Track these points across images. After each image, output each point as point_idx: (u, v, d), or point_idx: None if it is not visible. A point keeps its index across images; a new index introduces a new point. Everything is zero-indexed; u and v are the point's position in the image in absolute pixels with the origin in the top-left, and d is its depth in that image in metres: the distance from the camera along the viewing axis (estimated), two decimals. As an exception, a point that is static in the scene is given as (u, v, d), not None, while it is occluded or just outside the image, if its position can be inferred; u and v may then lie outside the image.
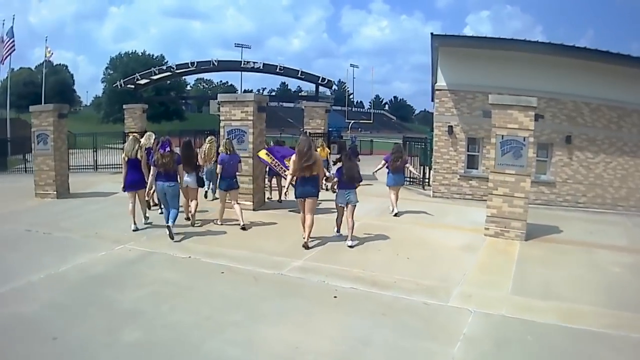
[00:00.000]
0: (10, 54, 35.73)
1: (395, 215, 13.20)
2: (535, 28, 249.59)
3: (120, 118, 68.02)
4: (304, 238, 9.70)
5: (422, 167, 19.56)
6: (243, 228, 11.20)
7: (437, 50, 17.70)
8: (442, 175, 17.47)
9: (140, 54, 79.57)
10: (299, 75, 21.48)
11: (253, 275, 8.15)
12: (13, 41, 35.48)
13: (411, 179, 19.46)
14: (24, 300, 7.02)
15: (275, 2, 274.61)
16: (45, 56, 43.34)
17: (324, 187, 10.96)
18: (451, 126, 17.23)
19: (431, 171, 18.53)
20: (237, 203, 11.56)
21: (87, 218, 12.62)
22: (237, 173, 11.59)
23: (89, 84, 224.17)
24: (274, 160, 13.65)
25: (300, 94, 25.10)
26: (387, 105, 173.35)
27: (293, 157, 9.84)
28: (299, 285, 7.79)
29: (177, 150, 10.82)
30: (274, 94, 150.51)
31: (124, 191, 11.34)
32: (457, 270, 8.65)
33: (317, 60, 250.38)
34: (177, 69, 23.38)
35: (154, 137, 11.76)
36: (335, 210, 10.73)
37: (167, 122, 71.76)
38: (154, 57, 79.19)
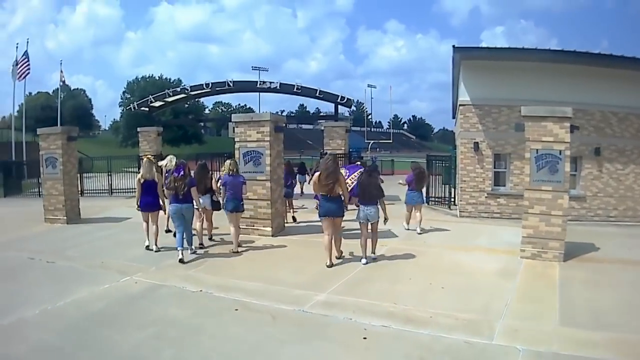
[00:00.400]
0: (26, 74, 35.93)
1: (419, 233, 12.88)
2: (549, 41, 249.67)
3: (138, 142, 69.28)
4: (329, 261, 9.56)
5: (445, 187, 18.93)
6: (235, 251, 10.90)
7: (459, 64, 17.02)
8: (468, 193, 16.60)
9: (157, 78, 79.54)
10: (317, 94, 20.62)
11: (270, 312, 7.20)
12: (28, 63, 35.77)
13: (436, 199, 18.79)
14: (11, 340, 6.24)
15: (291, 24, 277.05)
16: (60, 80, 42.87)
17: (348, 207, 10.17)
18: (477, 142, 16.38)
19: (456, 190, 17.83)
20: (236, 226, 11.11)
21: (94, 245, 11.98)
22: (243, 195, 11.10)
23: (108, 109, 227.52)
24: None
25: (319, 115, 23.90)
26: (405, 125, 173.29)
27: (315, 175, 9.60)
28: (323, 325, 6.79)
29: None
30: (292, 115, 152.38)
31: (139, 211, 11.21)
32: (497, 300, 7.70)
33: (334, 81, 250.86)
34: (191, 91, 22.65)
35: (175, 160, 11.05)
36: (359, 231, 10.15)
37: (185, 145, 71.85)
38: (171, 81, 79.08)
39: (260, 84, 21.21)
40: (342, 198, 9.75)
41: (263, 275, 9.12)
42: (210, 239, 12.07)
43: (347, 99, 20.40)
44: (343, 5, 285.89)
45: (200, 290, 8.22)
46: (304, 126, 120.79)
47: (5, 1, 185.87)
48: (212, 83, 21.90)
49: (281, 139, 13.27)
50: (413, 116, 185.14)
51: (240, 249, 11.06)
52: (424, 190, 15.15)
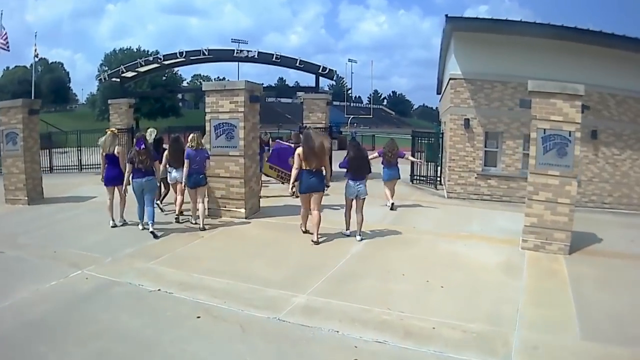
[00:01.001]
0: (6, 45, 34.05)
1: (392, 209, 12.62)
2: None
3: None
4: (307, 230, 9.73)
5: (430, 165, 17.79)
6: (202, 229, 10.24)
7: (450, 36, 16.00)
8: (457, 173, 15.54)
9: (135, 50, 75.02)
10: (297, 64, 19.07)
11: (239, 321, 5.84)
12: (6, 34, 33.86)
13: (421, 178, 17.75)
14: None
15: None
16: (34, 53, 40.65)
17: (329, 184, 9.86)
18: (468, 119, 15.29)
19: (443, 169, 16.96)
20: (203, 202, 10.59)
21: (52, 230, 10.63)
22: (205, 170, 10.61)
23: (87, 82, 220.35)
24: (280, 171, 13.95)
25: (299, 87, 22.39)
26: (385, 101, 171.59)
27: (299, 149, 9.32)
28: (304, 341, 5.43)
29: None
30: (272, 88, 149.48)
31: (105, 185, 10.79)
32: (507, 304, 6.52)
33: (315, 56, 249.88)
34: (165, 60, 20.84)
35: (154, 133, 11.31)
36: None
37: (163, 118, 69.73)
38: (149, 53, 75.58)
39: (237, 52, 19.57)
40: (324, 173, 9.46)
41: (232, 269, 7.81)
42: (180, 215, 11.14)
43: (329, 69, 18.89)
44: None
45: (159, 290, 6.88)
46: (282, 100, 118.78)
47: None
48: (186, 52, 20.17)
49: (257, 110, 11.89)
50: (393, 92, 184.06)
51: (209, 234, 9.97)
52: (408, 168, 15.49)
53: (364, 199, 9.68)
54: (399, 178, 13.55)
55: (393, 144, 13.41)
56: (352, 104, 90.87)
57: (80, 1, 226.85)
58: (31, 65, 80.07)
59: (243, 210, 11.24)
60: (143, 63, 21.09)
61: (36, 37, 37.81)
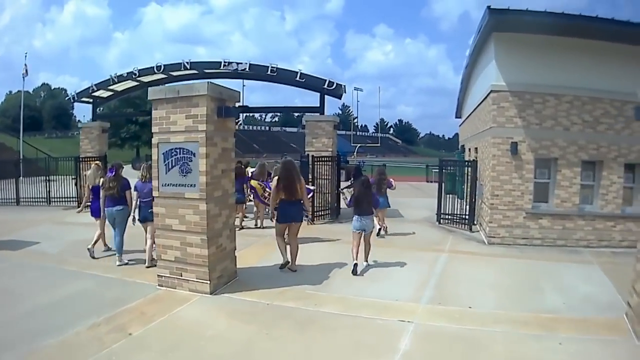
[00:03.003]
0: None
1: (378, 234, 12.05)
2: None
3: (114, 143, 64.09)
4: (287, 264, 8.81)
5: (455, 200, 14.36)
6: (152, 265, 8.80)
7: (489, 37, 12.34)
8: (501, 212, 11.76)
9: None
10: (297, 78, 15.05)
11: None
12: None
13: (451, 217, 14.08)
14: None
15: (280, 27, 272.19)
16: (23, 73, 37.17)
17: (307, 214, 10.49)
18: (515, 143, 11.58)
19: (475, 205, 13.40)
20: (152, 239, 8.97)
21: None
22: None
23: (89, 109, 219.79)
24: (265, 189, 12.92)
25: (299, 107, 18.48)
26: (392, 129, 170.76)
27: (274, 180, 9.13)
28: None
29: None
30: (276, 119, 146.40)
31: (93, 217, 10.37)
32: None
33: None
34: (140, 75, 16.59)
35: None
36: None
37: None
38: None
39: (225, 65, 15.82)
40: (302, 202, 9.14)
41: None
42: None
43: (337, 84, 14.94)
44: (332, 8, 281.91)
45: None
46: (288, 129, 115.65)
47: None
48: (164, 65, 16.15)
49: (230, 129, 7.94)
50: (399, 120, 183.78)
51: (143, 328, 6.07)
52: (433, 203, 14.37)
53: (371, 231, 9.40)
54: (389, 207, 12.84)
55: (384, 173, 12.86)
56: (358, 133, 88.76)
57: (88, 29, 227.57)
58: (34, 90, 78.34)
59: (207, 283, 7.24)
60: (116, 80, 17.02)
61: (26, 57, 34.86)
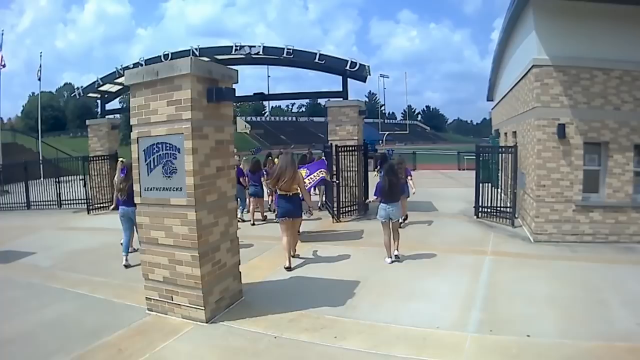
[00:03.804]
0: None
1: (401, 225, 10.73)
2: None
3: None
4: (288, 262, 8.36)
5: (493, 190, 12.91)
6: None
7: (529, 5, 10.71)
8: (549, 205, 10.24)
9: None
10: (316, 60, 13.49)
11: None
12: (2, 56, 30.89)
13: (490, 210, 12.59)
14: None
15: (303, 17, 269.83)
16: (37, 74, 36.36)
17: (309, 210, 10.18)
18: (563, 125, 10.03)
19: (515, 195, 11.90)
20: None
21: None
22: None
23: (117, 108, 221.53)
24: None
25: (321, 92, 16.88)
26: (419, 116, 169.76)
27: (273, 176, 8.90)
28: None
29: None
30: (303, 109, 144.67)
31: None
32: None
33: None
34: (147, 64, 15.73)
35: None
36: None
37: None
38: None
39: (237, 49, 14.33)
40: (302, 197, 9.07)
41: None
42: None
43: (360, 64, 13.41)
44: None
45: None
46: (315, 119, 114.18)
47: (13, 2, 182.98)
48: (171, 53, 14.75)
49: (226, 117, 6.43)
50: (427, 106, 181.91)
51: None
52: (470, 194, 13.17)
53: (397, 220, 9.06)
54: (408, 195, 11.92)
55: (401, 162, 12.06)
56: (386, 121, 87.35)
57: (110, 27, 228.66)
58: (57, 90, 78.55)
59: (202, 309, 5.83)
60: (122, 72, 15.68)
61: (41, 57, 34.06)
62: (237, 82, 6.38)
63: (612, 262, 8.47)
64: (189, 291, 5.84)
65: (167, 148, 5.70)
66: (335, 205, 12.73)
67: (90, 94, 17.29)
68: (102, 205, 15.98)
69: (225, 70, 6.30)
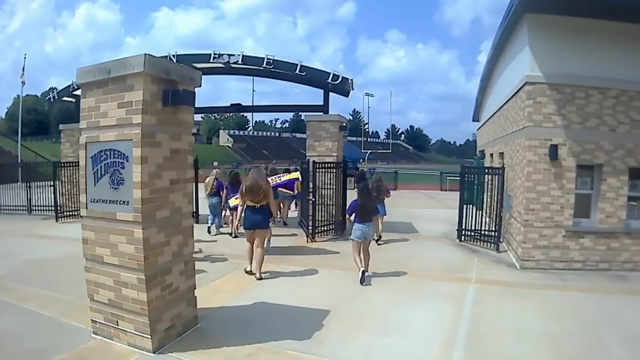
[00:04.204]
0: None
1: (379, 243, 11.58)
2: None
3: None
4: (251, 271, 8.62)
5: (476, 212, 12.23)
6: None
7: (520, 20, 10.36)
8: (537, 230, 9.68)
9: None
10: (297, 71, 12.94)
11: None
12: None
13: (473, 234, 11.96)
14: None
15: (292, 33, 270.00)
16: (21, 79, 35.41)
17: (276, 220, 10.67)
18: (555, 146, 9.51)
19: (501, 219, 11.34)
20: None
21: None
22: None
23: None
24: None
25: (300, 106, 16.02)
26: (403, 135, 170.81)
27: (242, 186, 8.97)
28: None
29: None
30: (286, 125, 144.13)
31: None
32: None
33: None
34: None
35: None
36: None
37: None
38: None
39: (215, 57, 13.39)
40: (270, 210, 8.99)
41: None
42: None
43: (342, 77, 12.83)
44: (344, 13, 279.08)
45: None
46: (298, 135, 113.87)
47: (5, 3, 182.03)
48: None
49: (184, 124, 5.62)
50: (410, 126, 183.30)
51: None
52: (455, 219, 12.31)
53: (370, 240, 8.94)
54: (385, 214, 12.29)
55: (380, 182, 12.14)
56: (369, 139, 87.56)
57: (99, 34, 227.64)
58: (42, 94, 77.34)
59: (148, 338, 5.12)
60: None
61: (25, 59, 32.96)
62: (200, 86, 5.70)
63: (604, 292, 7.96)
64: (135, 317, 5.12)
65: (116, 156, 5.00)
66: (310, 223, 12.02)
67: (66, 98, 16.41)
68: (72, 213, 15.30)
69: (186, 71, 5.58)
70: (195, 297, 5.92)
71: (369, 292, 7.72)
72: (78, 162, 15.21)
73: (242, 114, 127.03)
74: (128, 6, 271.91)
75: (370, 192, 9.21)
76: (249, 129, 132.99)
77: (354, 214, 8.75)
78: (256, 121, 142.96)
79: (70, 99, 16.79)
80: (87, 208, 5.32)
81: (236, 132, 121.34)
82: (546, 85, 9.50)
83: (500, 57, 14.07)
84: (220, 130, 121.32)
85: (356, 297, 7.37)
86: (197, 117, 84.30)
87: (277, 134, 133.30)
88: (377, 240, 11.45)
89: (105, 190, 5.12)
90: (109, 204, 5.09)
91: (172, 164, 5.32)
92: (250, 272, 8.59)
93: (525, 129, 9.78)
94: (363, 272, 8.34)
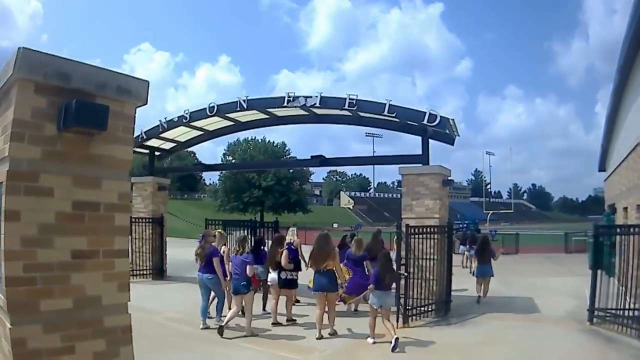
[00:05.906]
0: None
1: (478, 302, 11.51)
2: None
3: (236, 207, 63.02)
4: (318, 333, 8.56)
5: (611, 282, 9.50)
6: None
7: None
8: None
9: (260, 140, 70.81)
10: (384, 112, 10.46)
11: None
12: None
13: (614, 313, 9.08)
14: None
15: (411, 92, 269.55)
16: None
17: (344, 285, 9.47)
18: None
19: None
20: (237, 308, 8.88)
21: None
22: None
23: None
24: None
25: (394, 157, 13.91)
26: (525, 194, 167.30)
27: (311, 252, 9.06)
28: None
29: None
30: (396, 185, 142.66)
31: None
32: None
33: (455, 152, 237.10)
34: (192, 120, 13.26)
35: (296, 230, 10.80)
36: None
37: (289, 213, 66.38)
38: (275, 145, 71.02)
39: (289, 100, 11.12)
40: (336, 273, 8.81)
41: None
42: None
43: (442, 117, 9.99)
44: (462, 71, 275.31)
45: None
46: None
47: (125, 64, 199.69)
48: (217, 106, 12.58)
49: (115, 162, 3.41)
50: (533, 184, 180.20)
51: None
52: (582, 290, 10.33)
53: (390, 309, 8.43)
54: (492, 275, 11.89)
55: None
56: (491, 199, 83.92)
57: (221, 94, 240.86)
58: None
59: None
60: (166, 126, 13.48)
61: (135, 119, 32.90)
62: (146, 103, 3.54)
63: None
64: None
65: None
66: (402, 302, 9.42)
67: (137, 149, 15.19)
68: (141, 272, 14.32)
69: (107, 75, 3.36)
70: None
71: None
72: (149, 218, 14.12)
73: (364, 175, 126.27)
74: (248, 69, 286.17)
75: (389, 260, 8.71)
76: (370, 191, 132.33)
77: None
78: (378, 183, 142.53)
79: (142, 150, 15.54)
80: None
81: (357, 193, 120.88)
82: None
83: (626, 89, 11.34)
84: (341, 192, 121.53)
85: None
86: (318, 179, 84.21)
87: (399, 195, 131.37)
88: (478, 300, 11.55)
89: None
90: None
91: (79, 225, 3.15)
92: (320, 337, 8.46)
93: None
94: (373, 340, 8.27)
